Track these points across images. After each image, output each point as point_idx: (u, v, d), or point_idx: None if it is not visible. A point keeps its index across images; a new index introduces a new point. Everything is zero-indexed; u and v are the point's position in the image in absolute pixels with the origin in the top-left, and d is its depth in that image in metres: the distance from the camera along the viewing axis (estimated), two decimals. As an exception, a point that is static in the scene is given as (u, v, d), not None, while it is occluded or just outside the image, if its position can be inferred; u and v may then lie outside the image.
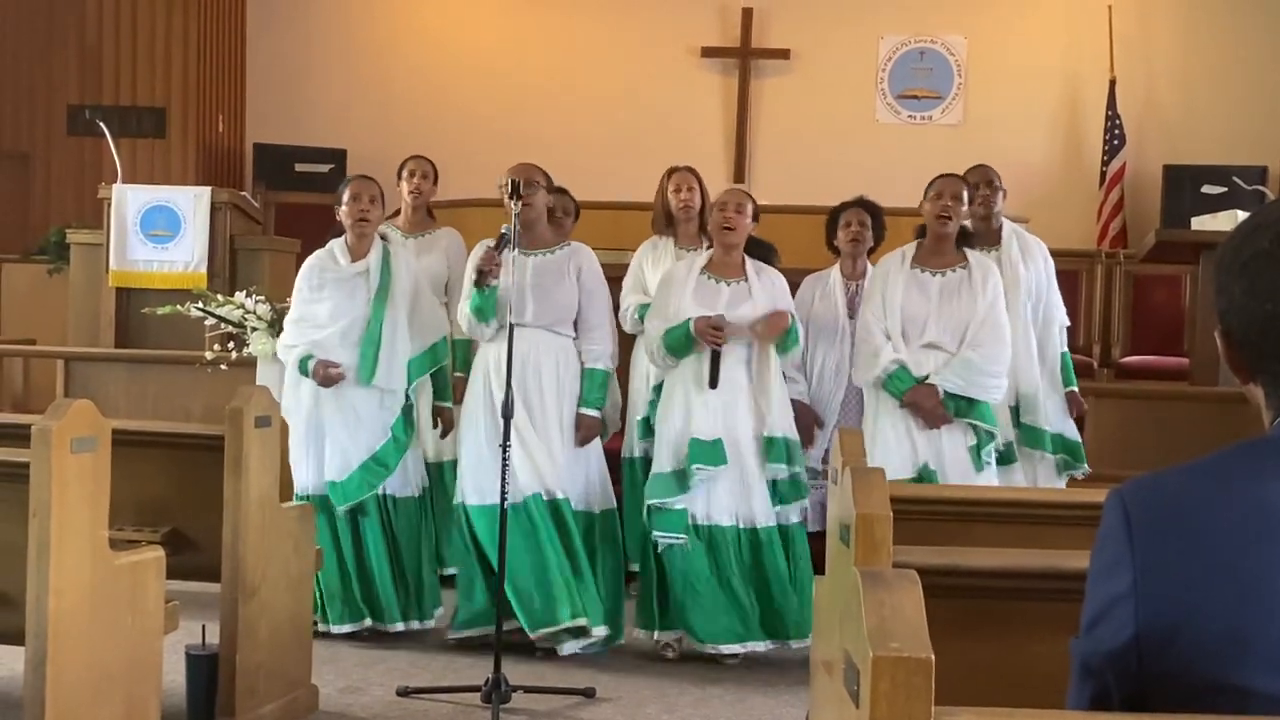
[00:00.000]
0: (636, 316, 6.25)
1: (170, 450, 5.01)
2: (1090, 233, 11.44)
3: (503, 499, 5.11)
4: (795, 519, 5.74)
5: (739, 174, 11.86)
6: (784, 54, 12.07)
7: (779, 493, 5.68)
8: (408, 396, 5.90)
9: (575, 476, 5.70)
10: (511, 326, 5.22)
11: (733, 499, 5.62)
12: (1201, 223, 8.16)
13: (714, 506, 5.61)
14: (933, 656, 1.51)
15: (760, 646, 5.65)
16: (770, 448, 5.63)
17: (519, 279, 5.51)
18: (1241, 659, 1.56)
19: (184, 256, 8.38)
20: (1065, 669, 1.80)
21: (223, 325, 7.16)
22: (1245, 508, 1.60)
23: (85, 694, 3.83)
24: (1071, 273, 9.43)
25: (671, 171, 6.65)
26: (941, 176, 5.70)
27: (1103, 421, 7.07)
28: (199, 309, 7.24)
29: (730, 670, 5.59)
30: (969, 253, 5.66)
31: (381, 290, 5.82)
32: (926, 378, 5.48)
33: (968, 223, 5.77)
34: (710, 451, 5.58)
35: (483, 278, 5.54)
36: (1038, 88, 11.80)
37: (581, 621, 5.55)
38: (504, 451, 5.10)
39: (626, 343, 6.30)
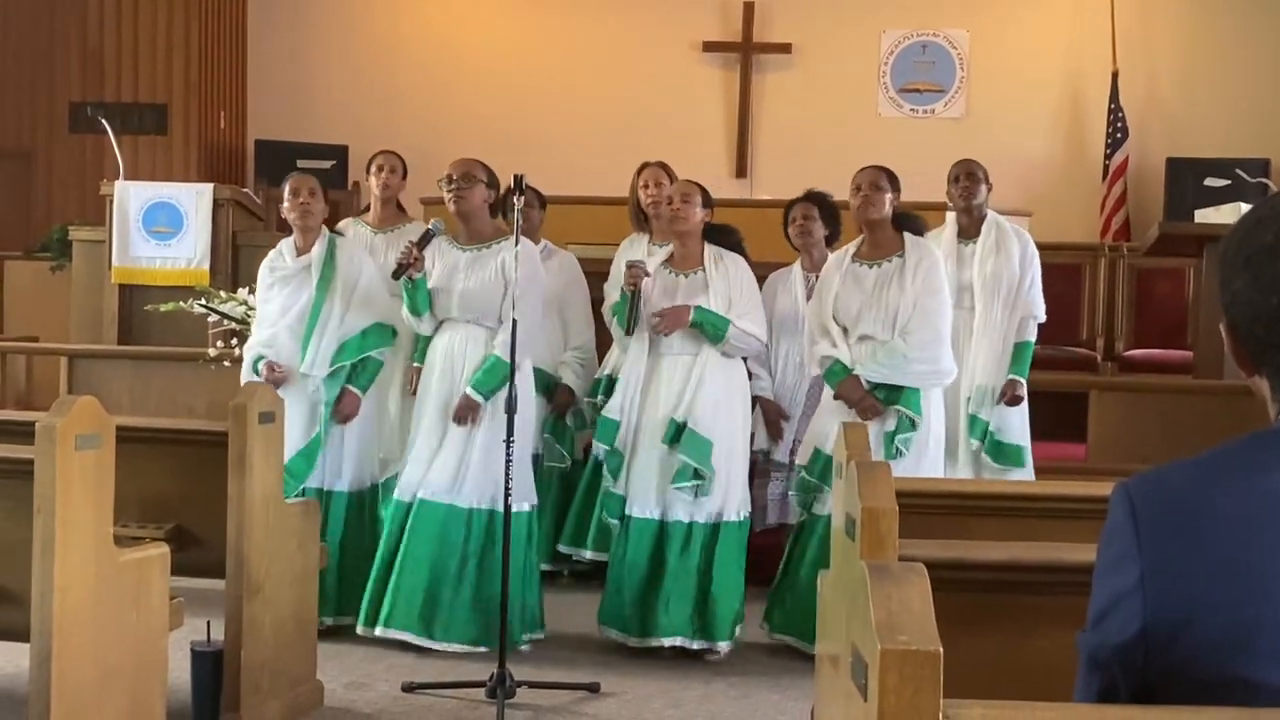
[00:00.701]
0: (613, 311, 6.19)
1: (174, 447, 5.01)
2: (1093, 226, 11.43)
3: (506, 495, 5.10)
4: (733, 515, 5.69)
5: (741, 169, 11.86)
6: (785, 48, 12.07)
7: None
8: (330, 383, 5.82)
9: (490, 474, 5.56)
10: (510, 319, 5.22)
11: (659, 492, 5.63)
12: (1205, 215, 8.15)
13: (637, 499, 5.66)
14: (941, 650, 1.51)
15: (675, 641, 5.62)
16: (676, 432, 5.61)
17: (450, 273, 5.63)
18: (1249, 652, 1.56)
19: (186, 253, 8.38)
20: (1071, 662, 1.80)
21: (225, 322, 7.17)
22: (1252, 500, 1.60)
23: (90, 691, 3.83)
24: (1075, 266, 9.43)
25: (642, 168, 6.67)
26: (860, 170, 5.73)
27: (1106, 415, 7.07)
28: (202, 305, 7.24)
29: (734, 664, 5.59)
30: (908, 240, 5.65)
31: (323, 281, 5.80)
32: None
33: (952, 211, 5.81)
34: (607, 432, 5.70)
35: (400, 270, 5.56)
36: (1040, 81, 11.79)
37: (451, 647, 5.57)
38: (508, 449, 5.09)
39: (604, 336, 6.37)
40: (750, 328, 5.68)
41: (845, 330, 5.61)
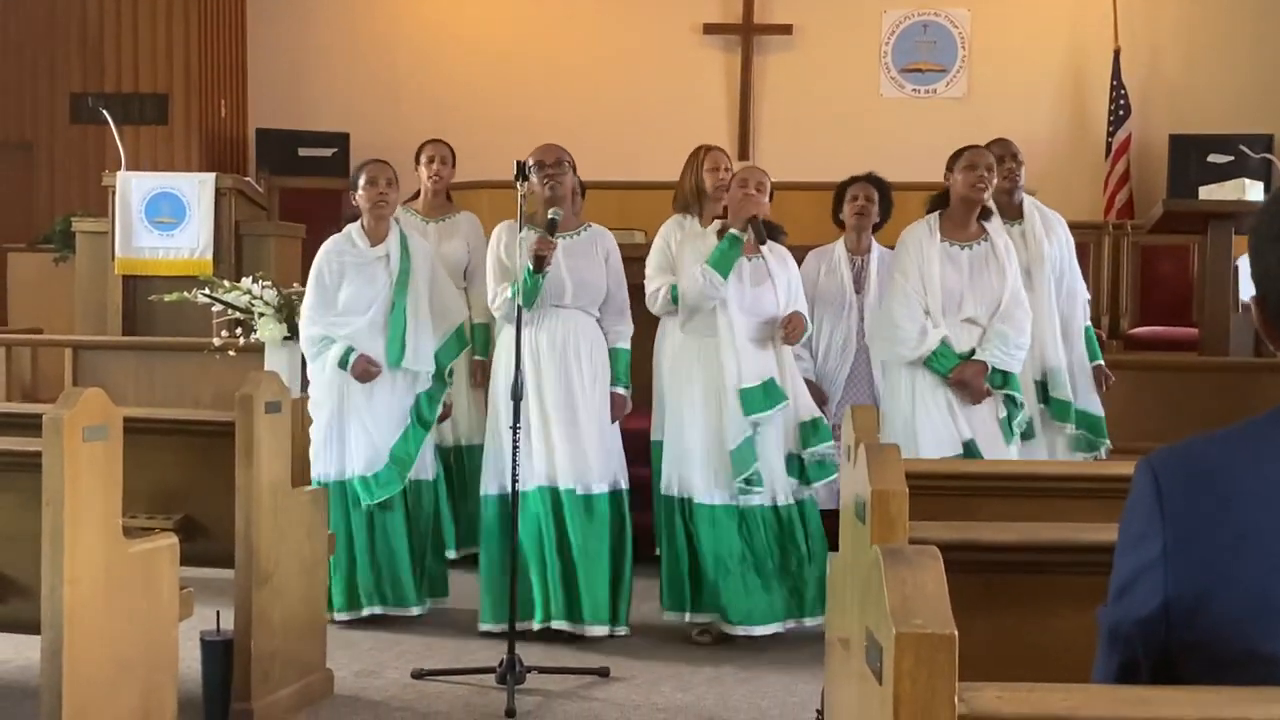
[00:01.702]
0: (670, 297, 5.98)
1: (181, 437, 5.01)
2: (1097, 204, 11.41)
3: (514, 481, 5.11)
4: (808, 495, 5.73)
5: (743, 151, 11.84)
6: (786, 29, 12.04)
7: (806, 473, 5.66)
8: (435, 381, 5.92)
9: (612, 458, 5.71)
10: (518, 310, 5.22)
11: (762, 477, 5.61)
12: (1209, 192, 8.13)
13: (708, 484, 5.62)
14: (956, 632, 1.50)
15: (782, 627, 5.64)
16: (815, 430, 5.64)
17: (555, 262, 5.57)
18: (1271, 626, 1.56)
19: (189, 243, 8.38)
20: (1087, 642, 1.80)
21: (230, 311, 7.16)
22: (1276, 475, 1.60)
23: (101, 682, 3.84)
24: (1079, 245, 9.29)
25: (707, 150, 6.55)
26: (971, 148, 5.64)
27: (1112, 393, 7.03)
28: (206, 295, 7.24)
29: (744, 648, 5.59)
30: (986, 224, 5.63)
31: (403, 274, 5.82)
32: (970, 353, 5.48)
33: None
34: (764, 396, 5.56)
35: (541, 263, 5.46)
36: (1042, 59, 11.76)
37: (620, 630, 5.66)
38: (514, 434, 5.10)
39: (652, 324, 6.26)
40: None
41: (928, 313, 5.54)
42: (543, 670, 5.07)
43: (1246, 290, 8.53)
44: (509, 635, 4.97)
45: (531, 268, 5.43)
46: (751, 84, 12.08)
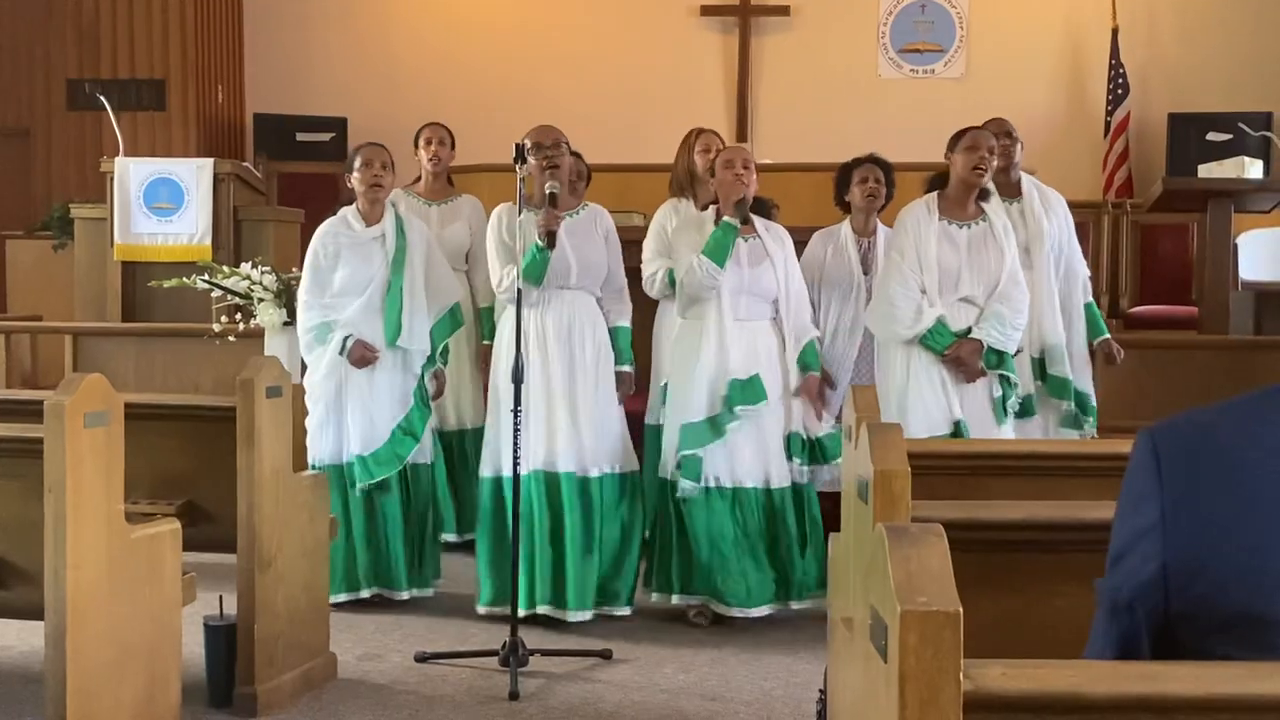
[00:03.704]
0: (668, 281, 6.02)
1: (182, 423, 5.01)
2: (1096, 183, 11.40)
3: (515, 465, 5.11)
4: (806, 479, 5.73)
5: (741, 133, 11.81)
6: (784, 10, 12.01)
7: (822, 450, 5.67)
8: (431, 361, 5.93)
9: (615, 440, 5.71)
10: (518, 292, 5.22)
11: (756, 460, 5.61)
12: (1208, 170, 8.12)
13: (738, 468, 5.61)
14: (961, 610, 1.51)
15: (771, 609, 5.65)
16: (826, 444, 5.68)
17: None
18: (1268, 589, 1.57)
19: (188, 229, 8.38)
20: (1089, 620, 1.80)
21: (229, 297, 7.16)
22: (1272, 441, 1.61)
23: (105, 667, 3.85)
24: (1079, 224, 9.27)
25: (699, 132, 6.58)
26: (972, 129, 5.66)
27: (1112, 372, 7.05)
28: (205, 281, 7.23)
29: (746, 629, 5.60)
30: (984, 204, 5.65)
31: (399, 254, 5.82)
32: (966, 332, 5.48)
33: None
34: (750, 389, 5.56)
35: (552, 238, 5.43)
36: (1040, 38, 11.74)
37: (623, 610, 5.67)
38: (515, 417, 5.10)
39: (650, 307, 6.26)
40: (811, 323, 5.85)
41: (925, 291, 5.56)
42: (545, 653, 5.08)
43: (1246, 269, 8.54)
44: (511, 618, 4.98)
45: (540, 244, 5.42)
46: (749, 66, 12.06)
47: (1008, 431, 5.53)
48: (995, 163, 5.63)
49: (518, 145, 5.15)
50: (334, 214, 5.96)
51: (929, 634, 1.50)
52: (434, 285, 5.94)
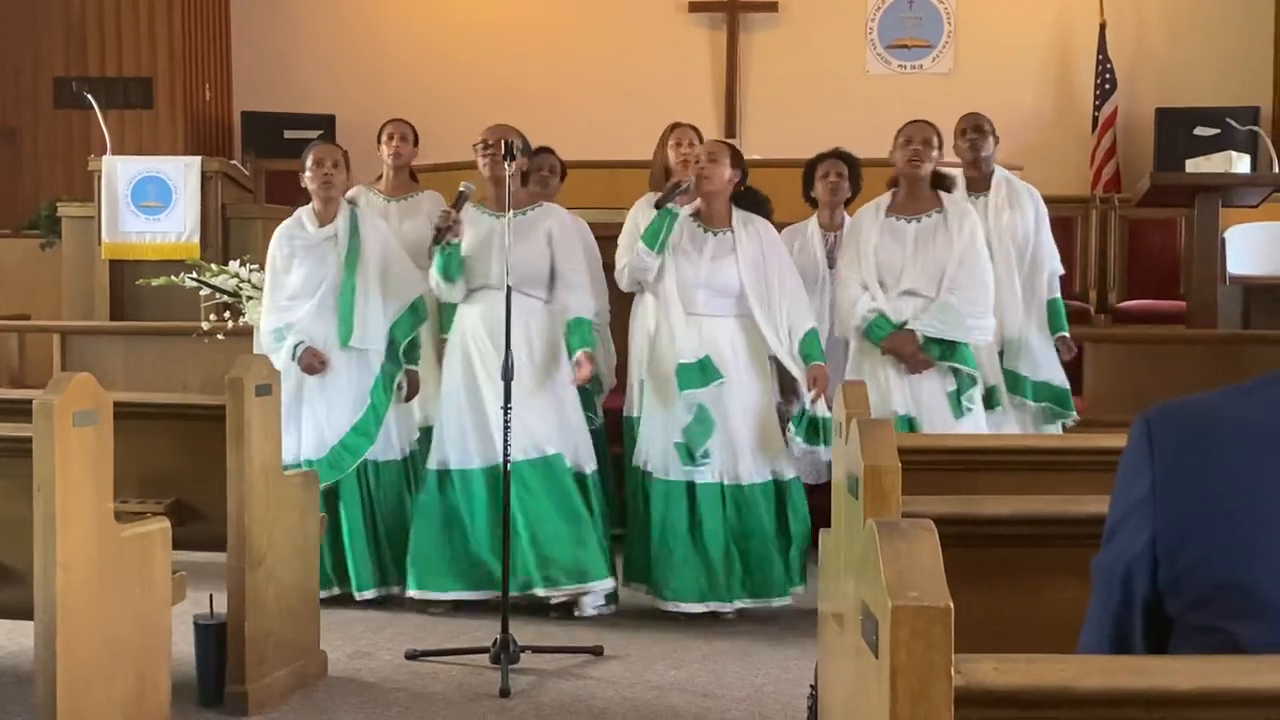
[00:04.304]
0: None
1: (172, 421, 5.00)
2: (1084, 178, 11.42)
3: (505, 460, 5.10)
4: (791, 474, 5.71)
5: (730, 129, 11.82)
6: (772, 6, 12.01)
7: (820, 432, 5.65)
8: (389, 360, 5.89)
9: (561, 435, 5.67)
10: (507, 289, 5.21)
11: (722, 455, 5.61)
12: (1195, 165, 8.13)
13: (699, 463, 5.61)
14: (952, 604, 1.51)
15: (729, 607, 5.62)
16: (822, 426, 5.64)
17: (487, 240, 5.59)
18: (1254, 558, 1.60)
19: (176, 227, 8.36)
20: (1080, 614, 1.81)
21: (218, 295, 7.15)
22: (1266, 420, 1.64)
23: (96, 666, 3.84)
24: (1066, 219, 9.41)
25: (674, 127, 6.61)
26: (910, 123, 5.69)
27: (1101, 366, 7.08)
28: (194, 279, 7.22)
29: (737, 625, 5.61)
30: (944, 196, 5.66)
31: (351, 253, 5.80)
32: (905, 324, 5.50)
33: (959, 167, 5.76)
34: (699, 372, 5.56)
35: (440, 235, 5.53)
36: (1027, 34, 11.75)
37: (599, 585, 5.64)
38: (506, 414, 5.09)
39: (625, 301, 6.27)
40: (810, 314, 5.75)
41: (882, 286, 5.58)
42: (536, 649, 5.08)
43: (1234, 263, 8.56)
44: (503, 613, 4.97)
45: (432, 240, 5.54)
46: (738, 62, 12.06)
47: (968, 425, 5.50)
48: (935, 153, 5.62)
49: (507, 143, 5.14)
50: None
51: (920, 629, 1.50)
52: (392, 281, 5.89)
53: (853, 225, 5.79)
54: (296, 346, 5.72)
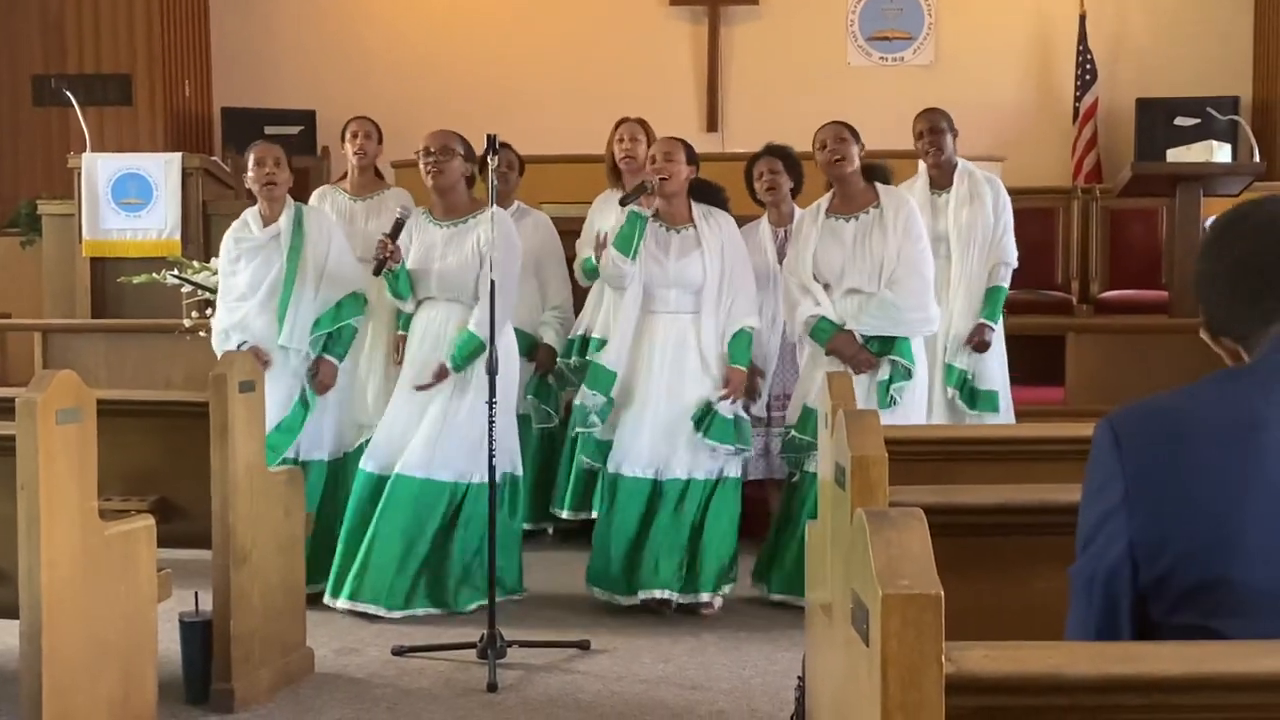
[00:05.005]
0: (584, 270, 6.40)
1: (155, 419, 4.99)
2: (1065, 169, 11.43)
3: (490, 456, 5.09)
4: (734, 472, 5.71)
5: (712, 123, 11.82)
6: (753, 0, 12.00)
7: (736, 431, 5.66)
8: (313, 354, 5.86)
9: (471, 446, 5.58)
10: (488, 292, 5.21)
11: (655, 450, 5.61)
12: (1176, 155, 8.16)
13: (638, 458, 5.61)
14: (942, 592, 1.51)
15: (664, 594, 5.59)
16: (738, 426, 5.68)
17: (428, 251, 5.66)
18: (1233, 554, 1.61)
19: (157, 224, 8.33)
20: (1065, 601, 1.82)
21: (199, 292, 7.12)
22: (1228, 417, 1.67)
23: (81, 665, 3.83)
24: (1048, 210, 9.44)
25: (620, 123, 6.65)
26: (822, 126, 5.71)
27: (1084, 357, 7.10)
28: (175, 277, 7.19)
29: (724, 618, 5.61)
30: (881, 191, 5.67)
31: (293, 251, 5.77)
32: (844, 325, 5.53)
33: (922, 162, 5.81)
34: (604, 380, 5.64)
35: (380, 267, 5.58)
36: (1008, 25, 11.76)
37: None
38: (490, 410, 5.08)
39: (581, 295, 6.34)
40: (752, 312, 5.76)
41: (826, 286, 5.61)
42: (523, 644, 5.08)
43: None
44: (489, 609, 4.97)
45: (373, 271, 5.61)
46: (719, 56, 12.04)
47: (896, 418, 5.39)
48: (855, 149, 5.61)
49: (490, 136, 5.12)
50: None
51: (911, 617, 1.50)
52: (332, 275, 5.84)
53: (794, 228, 5.86)
54: (240, 346, 5.69)
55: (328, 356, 5.85)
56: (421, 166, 5.66)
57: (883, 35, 11.95)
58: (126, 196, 8.33)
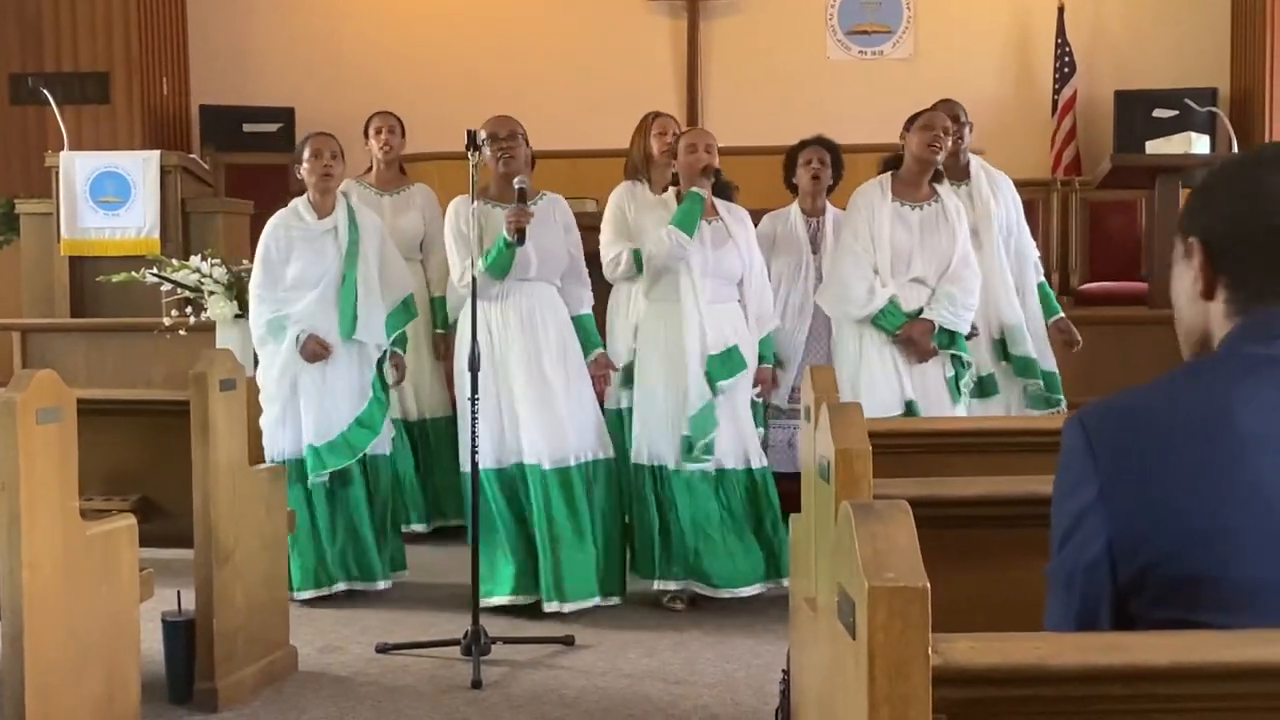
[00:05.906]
0: (633, 262, 5.99)
1: (136, 418, 4.98)
2: (1044, 161, 11.45)
3: (474, 452, 5.08)
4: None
5: (692, 118, 11.80)
6: (732, -6, 12.00)
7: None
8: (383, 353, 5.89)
9: (589, 428, 5.66)
10: (474, 282, 5.20)
11: (735, 440, 5.62)
12: (1155, 146, 8.19)
13: (720, 449, 5.61)
14: (928, 585, 1.51)
15: (763, 588, 5.65)
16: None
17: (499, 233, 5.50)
18: (1212, 550, 1.61)
19: (136, 222, 8.29)
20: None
21: (179, 290, 7.10)
22: (1200, 410, 1.67)
23: (64, 666, 3.81)
24: (1027, 202, 9.33)
25: (655, 116, 6.56)
26: (928, 110, 5.72)
27: (1064, 349, 7.11)
28: (154, 275, 7.17)
29: (708, 612, 5.61)
30: (936, 186, 5.69)
31: (351, 247, 5.78)
32: (917, 313, 5.52)
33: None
34: (729, 361, 5.59)
35: (522, 235, 5.37)
36: (986, 17, 11.77)
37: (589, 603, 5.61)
38: (473, 405, 5.07)
39: (603, 293, 6.26)
40: (774, 310, 5.91)
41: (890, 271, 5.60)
42: (508, 641, 5.07)
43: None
44: (473, 605, 4.96)
45: (507, 240, 5.38)
46: (699, 50, 12.04)
47: (962, 411, 5.58)
48: (950, 144, 5.67)
49: (470, 132, 5.10)
50: (285, 205, 5.91)
51: (897, 609, 1.50)
52: (387, 277, 5.90)
53: (860, 207, 5.70)
54: (300, 335, 5.68)
55: (398, 351, 5.97)
56: (489, 153, 5.52)
57: (861, 29, 11.95)
58: (105, 195, 8.29)
